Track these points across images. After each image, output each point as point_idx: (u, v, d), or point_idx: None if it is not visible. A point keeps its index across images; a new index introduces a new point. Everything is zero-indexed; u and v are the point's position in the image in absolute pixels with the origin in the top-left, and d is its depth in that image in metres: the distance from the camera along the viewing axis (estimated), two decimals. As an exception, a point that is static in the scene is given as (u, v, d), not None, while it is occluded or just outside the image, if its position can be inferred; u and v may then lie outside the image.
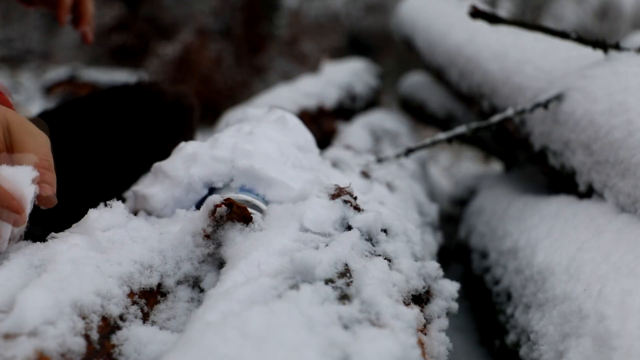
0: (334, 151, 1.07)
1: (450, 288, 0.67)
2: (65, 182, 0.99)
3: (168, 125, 0.89)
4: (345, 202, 0.68)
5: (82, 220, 0.65)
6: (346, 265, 0.57)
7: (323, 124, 1.44)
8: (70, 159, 0.99)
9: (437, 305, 0.64)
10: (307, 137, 0.86)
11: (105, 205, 0.67)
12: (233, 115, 0.90)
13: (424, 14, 1.88)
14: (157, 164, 0.77)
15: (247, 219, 0.65)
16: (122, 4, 5.47)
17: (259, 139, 0.79)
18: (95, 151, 1.00)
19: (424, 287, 0.64)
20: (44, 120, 1.02)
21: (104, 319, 0.52)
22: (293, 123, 0.86)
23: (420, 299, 0.63)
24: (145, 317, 0.57)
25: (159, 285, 0.61)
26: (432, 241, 0.89)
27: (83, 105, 0.99)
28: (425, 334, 0.59)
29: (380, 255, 0.63)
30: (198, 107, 1.09)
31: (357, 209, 0.68)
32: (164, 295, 0.61)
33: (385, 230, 0.68)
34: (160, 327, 0.57)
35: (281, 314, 0.45)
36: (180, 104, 1.09)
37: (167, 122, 0.96)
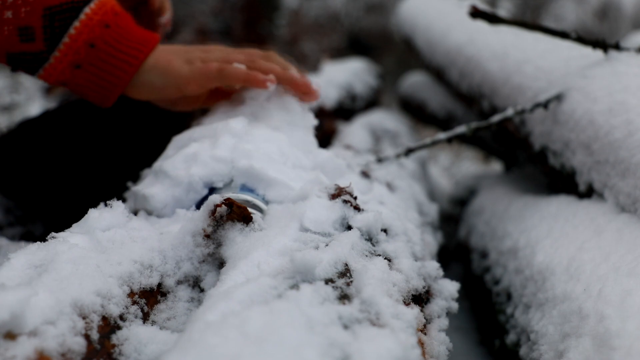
0: (334, 151, 1.07)
1: (450, 288, 0.67)
2: (66, 182, 0.99)
3: (170, 127, 0.89)
4: (345, 202, 0.68)
5: (82, 220, 0.65)
6: (346, 265, 0.57)
7: (323, 124, 1.44)
8: (72, 159, 1.00)
9: (437, 305, 0.64)
10: (307, 137, 0.86)
11: (105, 205, 0.67)
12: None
13: (424, 14, 1.88)
14: (157, 164, 0.77)
15: (247, 219, 0.65)
16: (122, 4, 5.48)
17: (259, 138, 0.79)
18: (96, 152, 1.00)
19: (424, 287, 0.64)
20: (45, 121, 1.03)
21: (104, 318, 0.52)
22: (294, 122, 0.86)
23: (421, 298, 0.63)
24: (145, 317, 0.57)
25: (159, 285, 0.61)
26: (432, 241, 0.89)
27: (85, 106, 1.00)
28: (425, 334, 0.59)
29: (380, 255, 0.63)
30: (199, 110, 1.09)
31: (357, 208, 0.68)
32: (164, 295, 0.61)
33: (385, 230, 0.68)
34: (161, 327, 0.57)
35: (281, 314, 0.45)
36: None
37: (169, 124, 0.96)
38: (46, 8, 0.75)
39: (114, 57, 0.78)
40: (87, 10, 0.77)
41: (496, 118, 1.04)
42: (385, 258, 0.63)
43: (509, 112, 1.04)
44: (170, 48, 0.84)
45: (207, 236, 0.64)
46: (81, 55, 0.77)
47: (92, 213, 0.65)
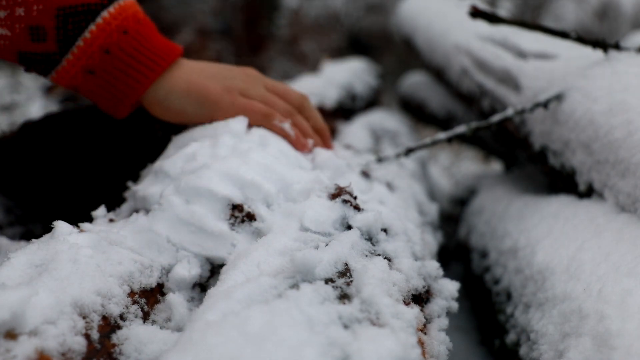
0: (334, 151, 1.07)
1: (450, 287, 0.67)
2: (69, 184, 0.99)
3: (170, 128, 0.89)
4: (345, 201, 0.68)
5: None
6: (346, 264, 0.57)
7: (323, 124, 1.44)
8: (74, 161, 1.00)
9: (437, 305, 0.64)
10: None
11: (106, 205, 0.67)
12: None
13: (424, 14, 1.88)
14: (157, 164, 0.77)
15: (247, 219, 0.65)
16: (122, 4, 5.49)
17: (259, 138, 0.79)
18: (98, 154, 1.00)
19: (424, 287, 0.64)
20: (48, 125, 1.03)
21: (105, 318, 0.52)
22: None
23: (421, 298, 0.63)
24: (145, 317, 0.57)
25: (159, 284, 0.61)
26: (432, 241, 0.89)
27: (86, 108, 1.00)
28: (425, 333, 0.59)
29: (380, 255, 0.63)
30: None
31: (357, 208, 0.68)
32: (164, 294, 0.61)
33: (385, 230, 0.68)
34: (161, 326, 0.57)
35: (281, 314, 0.45)
36: None
37: (170, 124, 0.97)
38: (60, 8, 0.72)
39: (129, 66, 0.75)
40: (105, 14, 0.73)
41: (496, 118, 1.04)
42: (385, 258, 0.63)
43: (509, 111, 1.04)
44: (200, 67, 0.80)
45: (207, 236, 0.64)
46: (95, 61, 0.74)
47: (95, 213, 0.65)
